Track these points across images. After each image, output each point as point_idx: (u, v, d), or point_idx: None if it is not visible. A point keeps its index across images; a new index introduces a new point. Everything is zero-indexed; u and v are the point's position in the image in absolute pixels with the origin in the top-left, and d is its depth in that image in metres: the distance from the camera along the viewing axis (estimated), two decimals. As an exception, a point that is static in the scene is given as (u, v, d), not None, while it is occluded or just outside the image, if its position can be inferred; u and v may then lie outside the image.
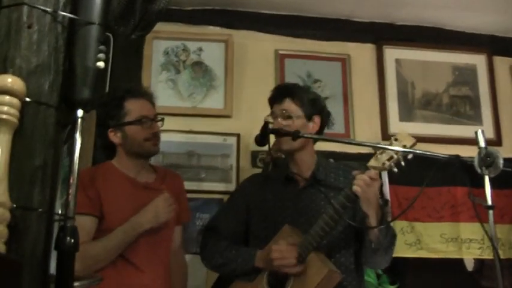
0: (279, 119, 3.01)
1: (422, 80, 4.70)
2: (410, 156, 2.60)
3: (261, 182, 3.20)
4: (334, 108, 4.47)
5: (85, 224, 2.85)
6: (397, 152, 2.59)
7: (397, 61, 4.69)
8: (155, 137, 3.12)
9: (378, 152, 2.64)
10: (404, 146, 2.60)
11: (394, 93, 4.62)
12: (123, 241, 2.88)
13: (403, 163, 2.58)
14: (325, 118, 3.17)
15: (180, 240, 3.30)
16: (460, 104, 4.71)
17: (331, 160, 3.28)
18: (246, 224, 3.10)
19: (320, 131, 3.10)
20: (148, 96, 3.23)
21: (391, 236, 2.84)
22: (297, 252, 2.69)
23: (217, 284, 3.12)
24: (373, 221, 2.66)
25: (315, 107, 3.10)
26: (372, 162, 2.63)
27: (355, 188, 2.59)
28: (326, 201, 2.86)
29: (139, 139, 3.07)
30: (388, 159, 2.60)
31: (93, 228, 2.91)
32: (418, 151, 2.64)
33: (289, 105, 3.04)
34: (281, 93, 3.11)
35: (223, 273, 3.07)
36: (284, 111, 3.02)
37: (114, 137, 3.11)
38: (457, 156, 2.48)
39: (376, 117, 4.55)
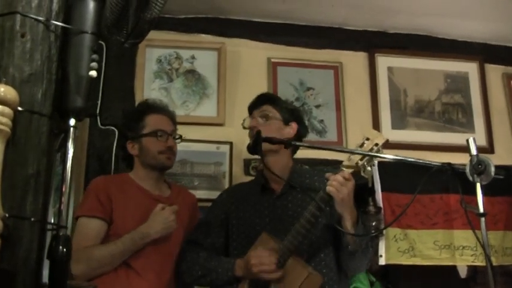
0: (258, 119, 3.06)
1: (415, 88, 4.71)
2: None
3: (239, 193, 3.20)
4: (327, 115, 4.50)
5: (94, 227, 2.93)
6: (371, 150, 2.63)
7: (390, 69, 4.69)
8: (169, 150, 3.18)
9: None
10: (376, 145, 2.64)
11: (386, 101, 4.63)
12: (130, 248, 2.91)
13: (376, 161, 2.61)
14: (303, 129, 3.18)
15: None
16: (453, 112, 4.72)
17: (306, 166, 3.28)
18: (226, 235, 3.09)
19: (297, 140, 3.09)
20: (168, 113, 3.32)
21: (368, 237, 2.85)
22: (276, 257, 2.69)
23: None
24: (348, 222, 2.67)
25: (293, 114, 3.15)
26: (346, 163, 2.66)
27: (328, 188, 2.60)
28: (302, 207, 2.85)
29: (154, 151, 3.14)
30: (361, 159, 2.64)
31: (101, 232, 2.96)
32: (410, 159, 2.65)
33: (267, 107, 3.09)
34: (260, 99, 3.18)
35: (203, 285, 3.05)
36: (263, 113, 3.07)
37: (132, 149, 3.21)
38: (449, 164, 2.49)
39: (369, 124, 4.54)
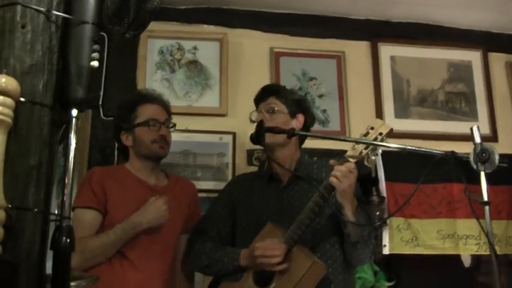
0: (264, 114, 3.05)
1: (418, 77, 4.70)
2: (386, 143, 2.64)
3: (246, 183, 3.21)
4: (330, 105, 4.49)
5: (88, 217, 2.94)
6: (375, 139, 2.62)
7: (392, 58, 4.68)
8: (162, 140, 3.18)
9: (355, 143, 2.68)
10: (380, 134, 2.64)
11: (389, 91, 4.62)
12: (121, 238, 2.92)
13: (380, 151, 2.60)
14: (310, 119, 3.18)
15: None
16: (456, 101, 4.71)
17: (315, 158, 3.28)
18: (232, 225, 3.11)
19: (304, 131, 3.09)
20: (161, 102, 3.31)
21: (370, 228, 2.87)
22: (281, 248, 2.68)
23: (212, 285, 3.10)
24: (348, 212, 2.69)
25: (299, 106, 3.15)
26: (350, 152, 2.66)
27: (330, 179, 2.61)
28: (308, 198, 2.84)
29: (147, 141, 3.15)
30: (365, 148, 2.64)
31: (96, 222, 2.98)
32: (413, 148, 2.65)
33: (273, 100, 3.08)
34: (266, 92, 3.17)
35: (210, 274, 3.09)
36: (269, 106, 3.06)
37: (126, 139, 3.22)
38: (453, 153, 2.47)
39: (372, 114, 4.54)
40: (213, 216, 3.16)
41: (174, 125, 3.30)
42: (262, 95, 3.15)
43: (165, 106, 3.31)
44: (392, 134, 2.68)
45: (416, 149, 2.63)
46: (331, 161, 2.69)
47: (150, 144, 3.14)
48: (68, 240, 1.66)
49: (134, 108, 3.20)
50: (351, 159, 2.65)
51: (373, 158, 2.64)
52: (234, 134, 4.23)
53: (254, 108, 3.14)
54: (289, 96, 3.14)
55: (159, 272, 3.03)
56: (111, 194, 3.03)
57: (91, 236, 2.90)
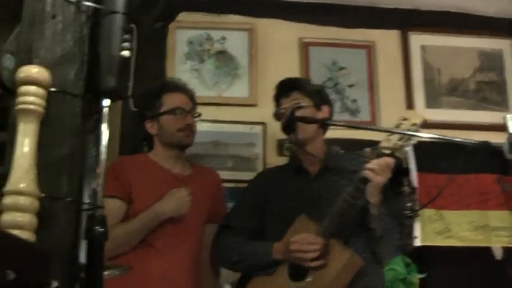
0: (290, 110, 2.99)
1: (448, 66, 4.63)
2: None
3: (272, 176, 3.20)
4: (360, 95, 4.45)
5: (113, 206, 2.90)
6: (408, 130, 2.58)
7: (423, 47, 4.62)
8: (188, 128, 3.17)
9: (388, 134, 2.63)
10: (414, 124, 2.58)
11: (419, 80, 4.56)
12: (145, 227, 2.93)
13: (414, 141, 2.57)
14: (332, 108, 3.17)
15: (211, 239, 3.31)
16: (487, 90, 4.64)
17: (341, 151, 3.25)
18: (260, 219, 3.08)
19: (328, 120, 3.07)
20: (186, 91, 3.30)
21: (395, 224, 2.84)
22: (318, 243, 2.67)
23: (242, 280, 3.08)
24: (374, 208, 2.68)
25: (322, 96, 3.14)
26: (384, 143, 2.61)
27: (366, 172, 2.58)
28: (338, 189, 2.83)
29: (173, 129, 3.14)
30: (400, 139, 2.59)
31: (121, 212, 2.97)
32: (448, 137, 2.61)
33: (298, 95, 3.05)
34: (288, 87, 3.13)
35: (241, 270, 3.04)
36: (295, 102, 3.02)
37: (151, 128, 3.21)
38: (486, 142, 2.44)
39: (402, 104, 4.49)
40: (241, 210, 3.14)
41: (199, 114, 3.28)
42: (285, 91, 3.11)
43: (190, 95, 3.29)
44: (422, 124, 2.65)
45: (451, 138, 2.60)
46: (367, 150, 2.66)
47: (175, 132, 3.13)
48: (102, 229, 1.67)
49: (159, 96, 3.20)
50: (386, 151, 2.61)
51: (406, 148, 2.61)
52: (264, 124, 4.21)
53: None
54: (311, 88, 3.13)
55: (184, 261, 3.03)
56: (136, 183, 3.03)
57: (116, 224, 2.89)
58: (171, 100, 3.18)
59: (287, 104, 3.03)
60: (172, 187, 3.02)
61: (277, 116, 3.08)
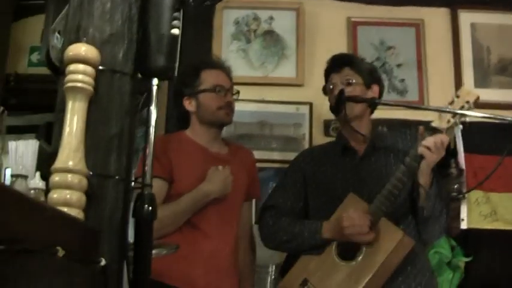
0: (340, 87, 2.97)
1: (498, 45, 4.54)
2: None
3: (316, 155, 3.16)
4: (408, 75, 4.40)
5: (155, 186, 2.84)
6: (462, 108, 2.53)
7: (473, 25, 4.54)
8: (228, 106, 3.15)
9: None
10: (467, 102, 2.53)
11: (469, 59, 4.49)
12: (192, 207, 2.93)
13: (467, 119, 2.52)
14: (382, 89, 3.13)
15: (249, 216, 3.36)
16: (537, 69, 4.56)
17: (385, 129, 3.21)
18: (305, 199, 3.05)
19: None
20: (224, 68, 3.27)
21: (442, 204, 2.78)
22: (369, 219, 2.64)
23: (288, 260, 3.07)
24: (425, 185, 2.64)
25: (373, 76, 3.09)
26: (436, 122, 2.57)
27: (421, 149, 2.55)
28: (387, 169, 2.83)
29: (213, 107, 3.11)
30: (453, 117, 2.54)
31: (163, 191, 2.95)
32: (498, 117, 2.57)
33: (349, 72, 3.01)
34: (340, 62, 3.09)
35: (289, 250, 3.02)
36: (345, 78, 2.99)
37: (189, 105, 3.17)
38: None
39: (451, 84, 4.43)
40: (285, 190, 3.10)
41: (238, 92, 3.25)
42: (336, 66, 3.08)
43: (228, 73, 3.27)
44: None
45: (503, 117, 2.55)
46: (421, 128, 2.62)
47: (216, 110, 3.11)
48: (150, 208, 1.67)
49: (198, 73, 3.17)
50: (439, 128, 2.57)
51: (460, 126, 2.56)
52: (310, 105, 4.19)
53: (332, 78, 3.09)
54: (363, 66, 3.09)
55: (229, 241, 3.04)
56: (177, 162, 3.02)
57: (160, 205, 2.86)
58: (210, 77, 3.16)
59: (337, 79, 3.01)
60: (212, 166, 3.01)
61: (326, 91, 3.05)
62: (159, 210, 2.80)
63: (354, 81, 2.98)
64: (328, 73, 3.10)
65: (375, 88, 3.04)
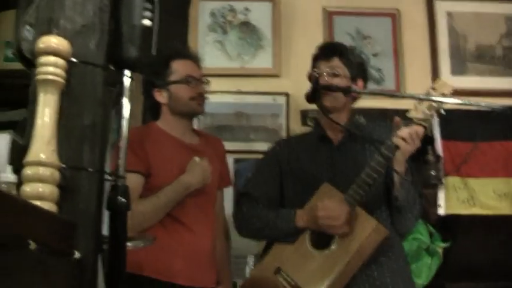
0: (325, 76, 2.94)
1: (475, 33, 4.58)
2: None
3: (292, 145, 3.15)
4: (385, 64, 4.43)
5: (132, 181, 2.78)
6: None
7: (449, 14, 4.56)
8: (200, 96, 3.13)
9: (417, 103, 2.60)
10: (443, 94, 2.55)
11: (445, 47, 4.52)
12: (173, 200, 2.91)
13: (443, 111, 2.53)
14: (366, 83, 3.12)
15: (221, 205, 3.35)
16: (514, 56, 4.59)
17: (362, 120, 3.22)
18: (280, 188, 3.04)
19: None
20: (194, 58, 3.24)
21: (416, 194, 2.80)
22: (345, 210, 2.64)
23: (266, 250, 3.06)
24: (398, 177, 2.65)
25: (360, 70, 3.07)
26: (413, 113, 2.58)
27: (396, 139, 2.56)
28: (363, 158, 2.83)
29: (185, 98, 3.09)
30: (429, 108, 2.56)
31: (140, 186, 2.93)
32: (475, 103, 2.58)
33: (337, 63, 2.98)
34: (330, 51, 3.06)
35: (262, 238, 3.03)
36: (332, 69, 2.97)
37: (160, 96, 3.14)
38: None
39: (428, 72, 4.46)
40: (261, 178, 3.09)
41: (209, 81, 3.22)
42: (326, 54, 3.05)
43: (198, 61, 3.25)
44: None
45: (479, 103, 2.56)
46: (396, 119, 2.63)
47: (188, 101, 3.09)
48: (124, 199, 1.66)
49: (168, 64, 3.14)
50: (416, 120, 2.58)
51: (437, 118, 2.57)
52: (287, 95, 4.20)
53: (307, 68, 3.06)
54: (352, 59, 3.05)
55: (208, 233, 3.05)
56: (153, 155, 3.00)
57: (140, 199, 2.88)
58: (181, 68, 3.13)
59: (324, 68, 2.98)
60: (188, 157, 2.99)
61: (310, 77, 3.02)
62: (140, 205, 2.83)
63: (340, 72, 2.95)
64: (315, 60, 3.07)
65: (360, 83, 3.02)
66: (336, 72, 2.95)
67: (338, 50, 3.08)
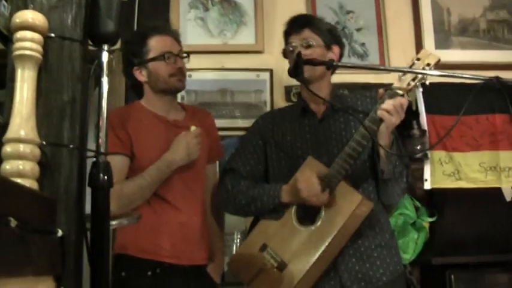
0: (298, 48, 2.91)
1: (458, 6, 4.56)
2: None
3: (276, 118, 3.11)
4: (368, 39, 4.40)
5: (117, 163, 2.79)
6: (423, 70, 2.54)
7: (432, -13, 4.56)
8: (180, 72, 3.06)
9: (401, 74, 2.58)
10: (427, 65, 2.54)
11: (429, 21, 4.50)
12: (158, 178, 2.87)
13: (427, 82, 2.52)
14: (342, 49, 3.07)
15: (215, 178, 3.28)
16: (498, 29, 4.57)
17: (346, 92, 3.20)
18: (265, 162, 3.02)
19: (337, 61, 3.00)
20: (172, 33, 3.17)
21: (402, 167, 2.79)
22: (323, 181, 2.63)
23: (253, 227, 3.05)
24: (383, 150, 2.64)
25: (333, 36, 3.03)
26: (397, 84, 2.57)
27: (380, 112, 2.53)
28: (346, 131, 2.82)
29: (164, 75, 3.02)
30: (413, 79, 2.55)
31: (125, 167, 2.90)
32: (458, 75, 2.57)
33: (308, 34, 2.95)
34: (299, 23, 3.01)
35: (248, 214, 3.01)
36: (304, 41, 2.93)
37: (140, 75, 3.07)
38: (497, 78, 2.40)
39: (412, 46, 4.44)
40: (245, 154, 3.06)
41: (188, 55, 3.14)
42: (295, 27, 3.01)
43: (176, 36, 3.17)
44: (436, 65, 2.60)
45: (462, 75, 2.55)
46: (380, 90, 2.61)
47: (167, 78, 3.02)
48: (106, 176, 1.64)
49: (144, 41, 3.06)
50: (399, 91, 2.57)
51: (420, 89, 2.56)
52: (271, 71, 4.17)
53: (292, 44, 3.05)
54: (323, 27, 3.01)
55: (198, 210, 3.02)
56: (135, 136, 2.95)
57: (125, 181, 2.85)
58: (158, 44, 3.05)
59: (297, 41, 2.94)
60: (172, 135, 2.95)
61: (286, 53, 3.00)
62: (126, 186, 2.79)
63: (313, 43, 2.92)
64: (287, 35, 3.04)
65: (335, 49, 2.98)
66: (309, 43, 2.92)
67: (306, 20, 3.05)
